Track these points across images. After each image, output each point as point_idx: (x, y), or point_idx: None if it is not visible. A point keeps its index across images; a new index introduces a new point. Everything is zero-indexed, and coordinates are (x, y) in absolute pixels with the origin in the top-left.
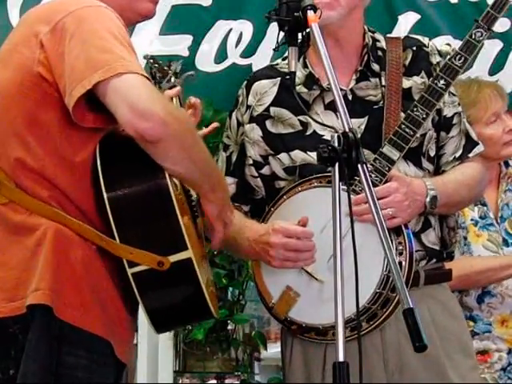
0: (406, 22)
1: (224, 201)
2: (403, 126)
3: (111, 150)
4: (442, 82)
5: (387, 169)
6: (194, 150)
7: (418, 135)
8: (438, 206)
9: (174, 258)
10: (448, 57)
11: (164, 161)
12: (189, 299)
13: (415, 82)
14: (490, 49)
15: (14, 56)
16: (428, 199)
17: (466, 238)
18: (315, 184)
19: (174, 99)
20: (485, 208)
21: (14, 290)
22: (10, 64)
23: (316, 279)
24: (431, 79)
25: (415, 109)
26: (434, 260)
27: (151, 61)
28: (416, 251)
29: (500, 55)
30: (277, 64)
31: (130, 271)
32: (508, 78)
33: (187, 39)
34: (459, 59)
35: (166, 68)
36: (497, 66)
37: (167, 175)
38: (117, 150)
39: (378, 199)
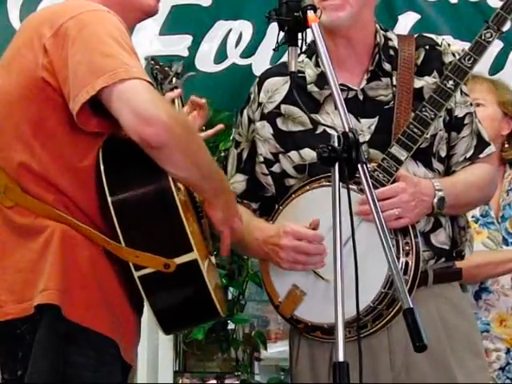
0: (405, 22)
1: (228, 205)
2: (411, 126)
3: (114, 153)
4: (450, 82)
5: (395, 169)
6: (197, 155)
7: (426, 136)
8: (446, 206)
9: (179, 260)
10: (457, 57)
11: (167, 165)
12: (196, 300)
13: (427, 82)
14: (490, 49)
15: (17, 60)
16: (436, 200)
17: None
18: (324, 183)
19: (176, 100)
20: (486, 206)
21: (22, 291)
22: (13, 68)
23: (323, 278)
24: (440, 79)
25: (424, 109)
26: (443, 259)
27: (152, 62)
28: (423, 251)
29: (500, 55)
30: None
31: (136, 274)
32: (508, 77)
33: (187, 39)
34: (469, 60)
35: (167, 69)
36: (497, 66)
37: (170, 178)
38: (119, 154)
39: (385, 199)
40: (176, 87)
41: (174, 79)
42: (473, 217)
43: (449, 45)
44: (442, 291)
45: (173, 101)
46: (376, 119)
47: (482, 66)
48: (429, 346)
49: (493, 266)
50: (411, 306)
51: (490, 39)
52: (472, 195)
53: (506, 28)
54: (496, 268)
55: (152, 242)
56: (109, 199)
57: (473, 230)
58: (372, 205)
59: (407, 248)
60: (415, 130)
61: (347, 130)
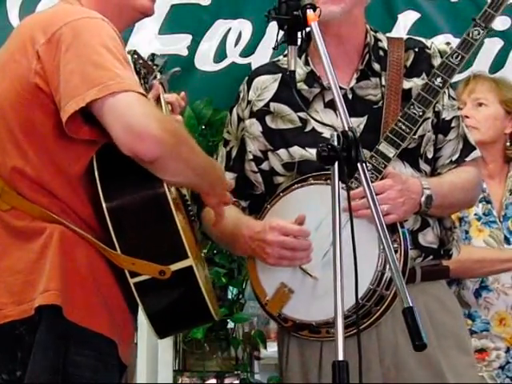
0: (405, 21)
1: (222, 190)
2: (400, 124)
3: (108, 160)
4: (438, 80)
5: (383, 166)
6: (191, 159)
7: (414, 135)
8: (432, 206)
9: (175, 267)
10: (445, 55)
11: (163, 175)
12: (191, 306)
13: (415, 84)
14: (491, 47)
15: (10, 65)
16: (423, 198)
17: (467, 232)
18: (311, 181)
19: (161, 96)
20: (489, 205)
21: (22, 292)
22: (7, 73)
23: (311, 276)
24: (428, 77)
25: (412, 106)
26: (431, 257)
27: (135, 56)
28: (411, 249)
29: (500, 53)
30: (278, 60)
31: (131, 281)
32: (508, 76)
33: (186, 38)
34: (456, 57)
35: (149, 63)
36: (497, 65)
37: (164, 183)
38: (114, 161)
39: None
40: (161, 83)
41: (158, 74)
42: (475, 214)
43: (439, 50)
44: (429, 289)
45: (158, 98)
46: (365, 118)
47: (483, 65)
48: None
49: (490, 263)
50: (411, 304)
51: (478, 37)
52: (457, 197)
53: (496, 25)
54: (493, 266)
55: (147, 248)
56: (104, 206)
57: (475, 228)
58: (372, 204)
59: (395, 245)
60: (403, 127)
61: (347, 128)
